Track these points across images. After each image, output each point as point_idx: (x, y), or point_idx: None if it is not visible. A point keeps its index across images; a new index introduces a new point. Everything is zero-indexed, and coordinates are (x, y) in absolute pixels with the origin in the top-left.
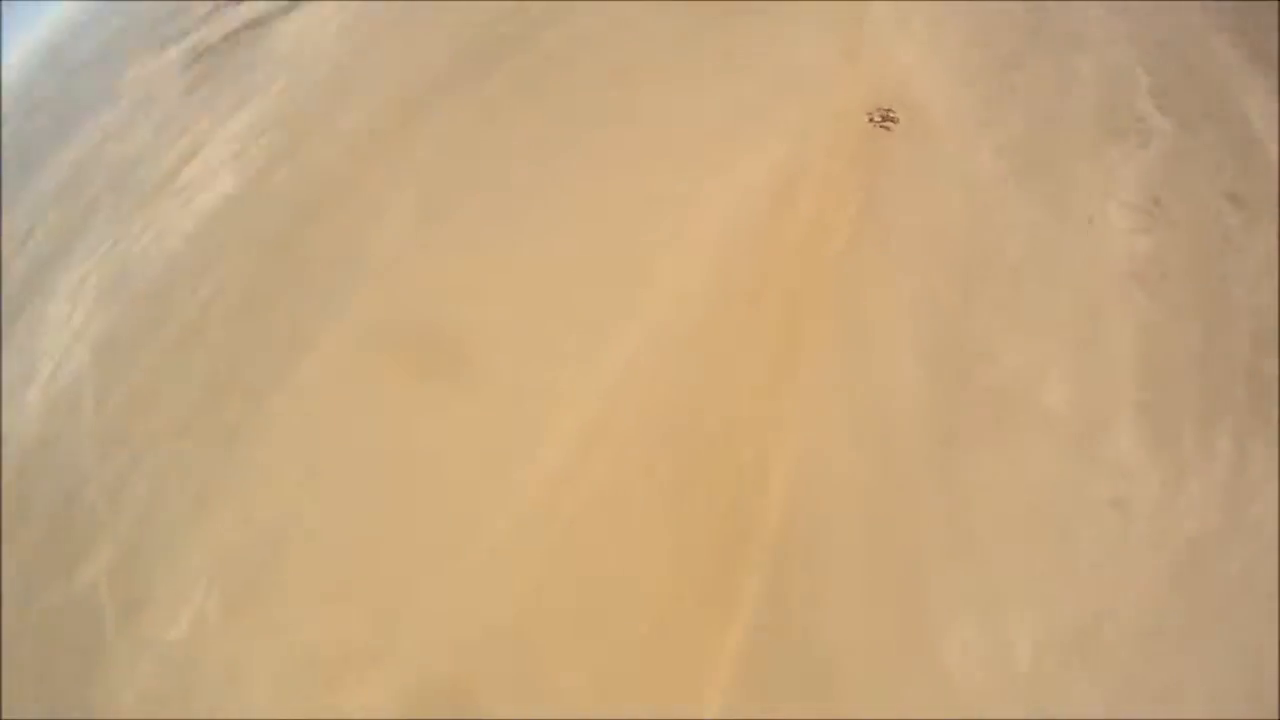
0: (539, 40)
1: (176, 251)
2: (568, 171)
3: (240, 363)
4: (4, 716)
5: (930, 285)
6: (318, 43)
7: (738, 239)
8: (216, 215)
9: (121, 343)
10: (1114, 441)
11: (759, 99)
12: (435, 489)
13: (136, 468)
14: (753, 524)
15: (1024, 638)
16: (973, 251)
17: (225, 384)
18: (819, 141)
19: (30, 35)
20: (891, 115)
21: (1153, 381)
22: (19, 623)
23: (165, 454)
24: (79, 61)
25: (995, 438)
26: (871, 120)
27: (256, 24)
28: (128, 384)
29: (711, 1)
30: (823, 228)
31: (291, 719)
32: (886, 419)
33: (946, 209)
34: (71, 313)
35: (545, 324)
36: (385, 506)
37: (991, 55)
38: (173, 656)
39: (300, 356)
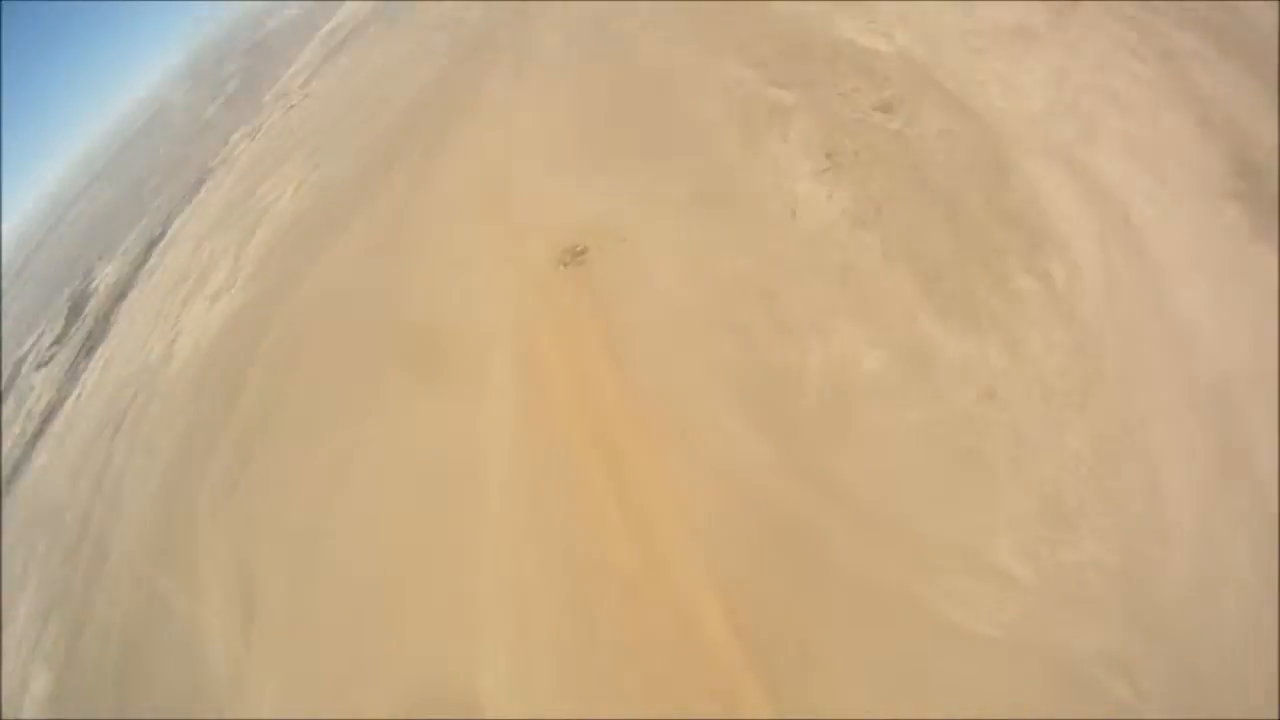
0: (255, 356)
1: None
2: (349, 445)
3: None
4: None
5: (710, 351)
6: (55, 496)
7: (529, 416)
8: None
9: None
10: (946, 355)
11: (449, 284)
12: None
13: None
14: (711, 644)
15: (1009, 554)
16: (722, 300)
17: None
18: (529, 306)
19: None
20: (578, 249)
21: (937, 286)
22: None
23: None
24: None
25: (856, 434)
26: (565, 264)
27: None
28: None
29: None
30: (585, 365)
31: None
32: (748, 489)
33: (673, 282)
34: None
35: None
36: None
37: (604, 128)
38: None
39: None
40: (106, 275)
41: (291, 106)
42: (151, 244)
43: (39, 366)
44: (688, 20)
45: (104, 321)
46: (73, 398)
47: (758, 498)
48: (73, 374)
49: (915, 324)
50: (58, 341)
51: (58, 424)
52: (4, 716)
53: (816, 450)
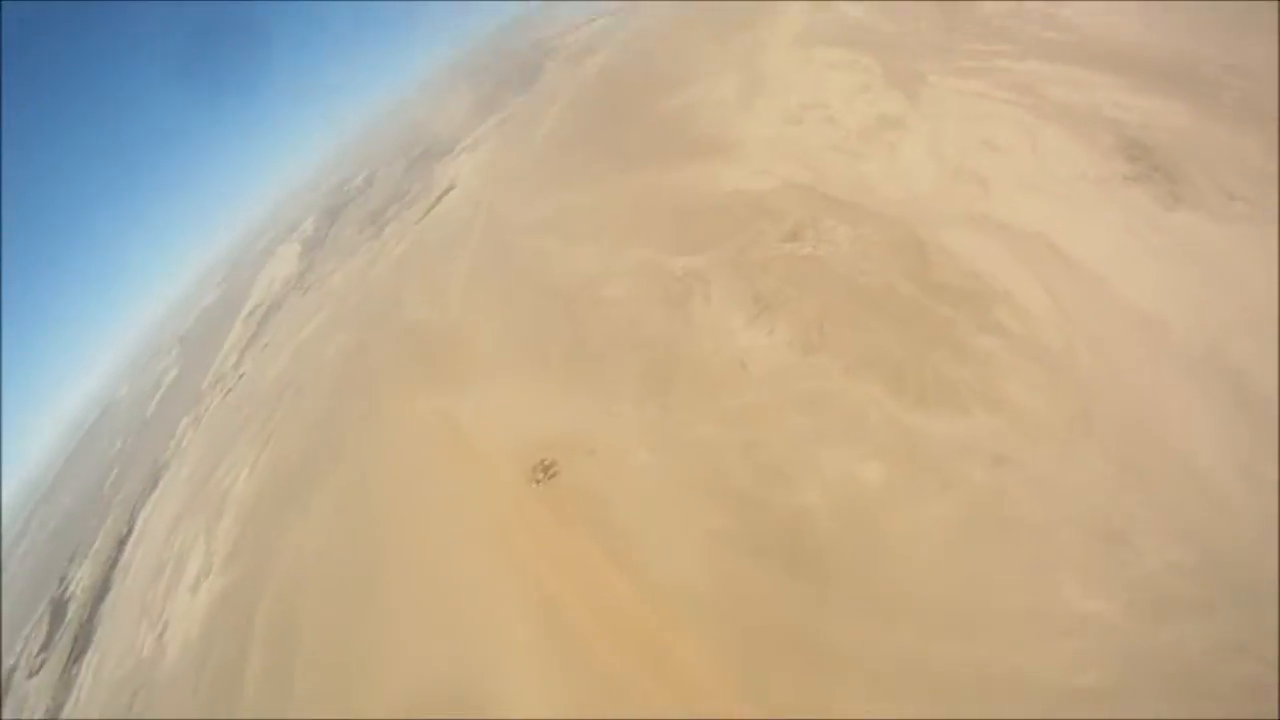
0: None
1: None
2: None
3: None
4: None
5: (711, 525)
6: None
7: (554, 654)
8: None
9: None
10: (940, 441)
11: (430, 526)
12: None
13: None
14: None
15: (1083, 597)
16: (703, 472)
17: None
18: (518, 533)
19: None
20: (547, 464)
21: (905, 381)
22: None
23: None
24: None
25: (887, 548)
26: (539, 480)
27: None
28: None
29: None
30: (593, 579)
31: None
32: (808, 642)
33: (649, 472)
34: None
35: None
36: None
37: (535, 344)
38: None
39: None
40: (81, 578)
41: (229, 390)
42: (121, 541)
43: (30, 675)
44: (584, 223)
45: (88, 624)
46: (70, 704)
47: (819, 646)
48: (66, 681)
49: (898, 423)
50: (45, 649)
51: None
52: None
53: (855, 578)
